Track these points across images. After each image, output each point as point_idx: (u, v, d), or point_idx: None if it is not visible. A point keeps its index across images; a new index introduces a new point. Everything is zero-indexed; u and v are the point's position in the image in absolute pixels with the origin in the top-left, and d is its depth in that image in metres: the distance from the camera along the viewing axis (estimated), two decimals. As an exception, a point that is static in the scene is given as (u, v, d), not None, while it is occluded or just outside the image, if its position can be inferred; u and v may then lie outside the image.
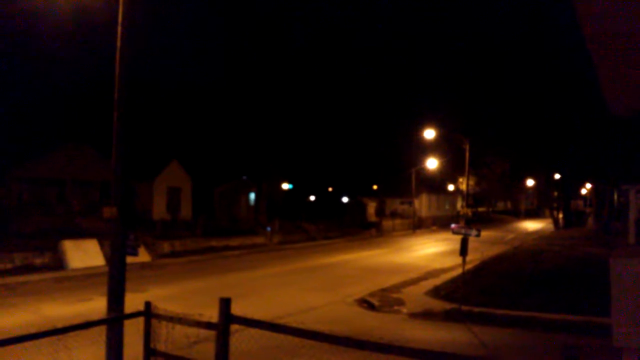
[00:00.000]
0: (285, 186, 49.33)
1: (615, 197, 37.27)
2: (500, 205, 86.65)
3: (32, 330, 5.86)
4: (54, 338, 5.98)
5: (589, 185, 57.84)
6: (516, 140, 51.65)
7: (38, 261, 21.70)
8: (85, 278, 19.75)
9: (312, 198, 63.47)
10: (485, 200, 75.32)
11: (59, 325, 6.03)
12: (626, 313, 4.24)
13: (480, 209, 71.67)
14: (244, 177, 44.58)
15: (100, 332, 7.23)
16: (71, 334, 6.13)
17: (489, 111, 52.87)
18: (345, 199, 60.21)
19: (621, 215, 30.09)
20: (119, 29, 8.12)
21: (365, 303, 15.87)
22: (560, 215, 54.78)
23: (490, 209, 76.94)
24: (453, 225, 16.12)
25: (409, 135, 46.50)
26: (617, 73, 6.56)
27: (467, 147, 32.06)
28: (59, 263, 22.04)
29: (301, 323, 6.08)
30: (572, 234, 39.91)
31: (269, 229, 35.46)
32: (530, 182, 70.36)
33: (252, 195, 45.99)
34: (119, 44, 8.12)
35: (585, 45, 5.39)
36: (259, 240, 34.24)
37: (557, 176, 55.65)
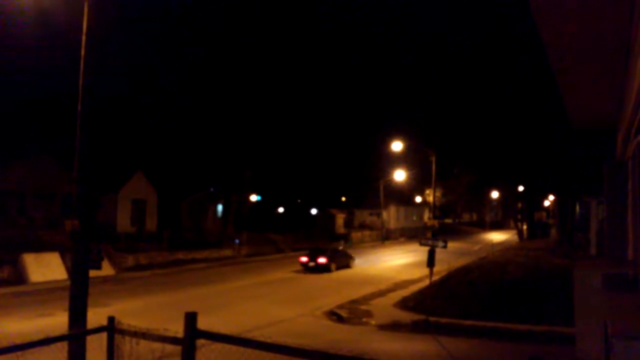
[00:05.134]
0: (254, 198, 49.01)
1: (578, 208, 38.16)
2: (466, 216, 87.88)
3: (-11, 348, 5.63)
4: (13, 355, 5.76)
5: (551, 197, 59.15)
6: (482, 152, 52.57)
7: (-4, 275, 21.02)
8: (46, 292, 19.23)
9: (281, 210, 63.27)
10: (451, 211, 76.30)
11: (18, 341, 5.82)
12: (588, 325, 4.30)
13: (447, 221, 72.54)
14: (211, 189, 44.13)
15: (62, 348, 7.01)
16: (31, 350, 5.92)
17: (455, 124, 53.72)
18: (314, 211, 60.16)
19: (583, 226, 30.80)
20: (84, 38, 8.00)
21: (334, 315, 15.83)
22: (525, 227, 55.83)
23: (456, 221, 77.95)
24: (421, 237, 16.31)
25: (377, 147, 46.84)
26: (578, 91, 6.76)
27: (434, 159, 32.48)
28: (18, 277, 21.40)
29: (269, 337, 6.00)
30: (536, 245, 40.68)
31: (237, 241, 35.12)
32: (495, 194, 71.58)
33: (220, 207, 45.53)
34: (83, 53, 8.01)
35: (549, 62, 5.53)
36: (227, 252, 33.87)
37: (520, 188, 56.75)
